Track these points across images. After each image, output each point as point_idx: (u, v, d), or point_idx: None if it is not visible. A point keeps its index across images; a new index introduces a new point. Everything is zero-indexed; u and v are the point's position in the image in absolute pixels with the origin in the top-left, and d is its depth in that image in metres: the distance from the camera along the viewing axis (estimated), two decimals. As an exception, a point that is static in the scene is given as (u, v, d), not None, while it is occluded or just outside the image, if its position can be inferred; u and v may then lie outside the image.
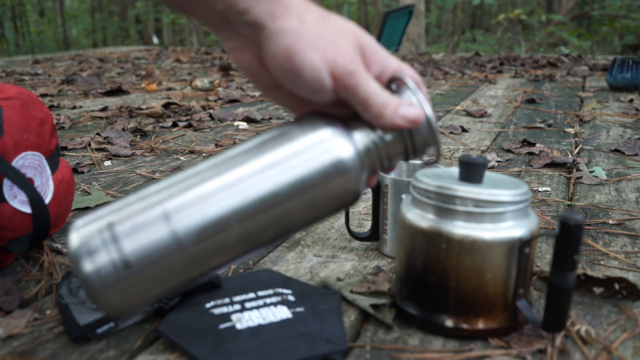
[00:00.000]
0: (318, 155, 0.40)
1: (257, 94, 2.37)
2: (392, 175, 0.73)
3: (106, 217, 0.39)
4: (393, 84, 0.44)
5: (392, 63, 0.44)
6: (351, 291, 0.64)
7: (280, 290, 0.63)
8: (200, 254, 0.39)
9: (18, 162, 0.69)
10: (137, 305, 0.40)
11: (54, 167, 0.77)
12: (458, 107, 1.96)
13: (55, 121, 1.71)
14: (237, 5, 0.39)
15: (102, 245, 0.38)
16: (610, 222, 0.88)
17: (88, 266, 0.37)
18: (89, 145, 1.44)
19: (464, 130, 1.59)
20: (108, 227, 0.38)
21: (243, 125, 1.72)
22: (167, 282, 0.39)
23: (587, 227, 0.86)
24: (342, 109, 0.44)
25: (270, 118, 1.81)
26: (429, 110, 0.42)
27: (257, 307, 0.60)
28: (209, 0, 0.39)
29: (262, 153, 0.41)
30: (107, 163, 1.28)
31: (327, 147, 0.41)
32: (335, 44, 0.40)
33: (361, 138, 0.42)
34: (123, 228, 0.38)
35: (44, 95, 2.34)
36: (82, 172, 1.19)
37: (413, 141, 0.43)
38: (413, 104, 0.42)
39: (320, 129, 0.41)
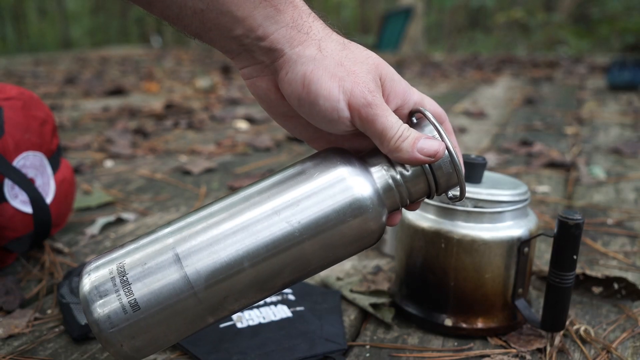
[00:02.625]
0: (334, 195, 0.38)
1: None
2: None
3: (118, 260, 0.38)
4: (414, 116, 0.42)
5: (413, 95, 0.42)
6: (351, 290, 0.64)
7: (280, 289, 0.64)
8: (212, 298, 0.38)
9: (19, 162, 0.69)
10: (148, 351, 0.39)
11: (55, 167, 0.77)
12: (457, 108, 1.96)
13: (56, 121, 1.71)
14: (256, 30, 0.38)
15: (113, 290, 0.37)
16: (609, 221, 0.88)
17: (98, 310, 0.37)
18: (90, 145, 1.45)
19: (463, 130, 1.59)
20: (119, 270, 0.38)
21: (243, 125, 1.72)
22: (179, 327, 0.38)
23: (586, 227, 0.86)
24: (360, 141, 0.43)
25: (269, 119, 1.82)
26: (449, 144, 0.40)
27: (258, 306, 0.60)
28: (227, 25, 0.38)
29: (276, 193, 0.39)
30: (108, 163, 1.28)
31: (344, 186, 0.39)
32: (354, 74, 0.39)
33: (380, 175, 0.40)
34: (134, 272, 0.37)
35: (45, 96, 2.34)
36: (84, 172, 1.19)
37: (435, 177, 0.41)
38: (433, 137, 0.40)
39: (337, 167, 0.39)
